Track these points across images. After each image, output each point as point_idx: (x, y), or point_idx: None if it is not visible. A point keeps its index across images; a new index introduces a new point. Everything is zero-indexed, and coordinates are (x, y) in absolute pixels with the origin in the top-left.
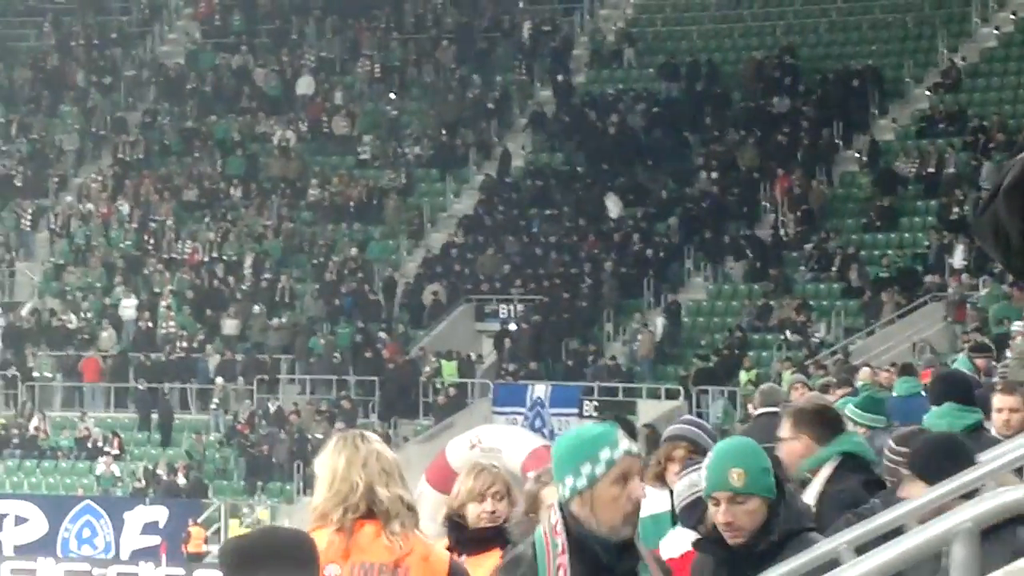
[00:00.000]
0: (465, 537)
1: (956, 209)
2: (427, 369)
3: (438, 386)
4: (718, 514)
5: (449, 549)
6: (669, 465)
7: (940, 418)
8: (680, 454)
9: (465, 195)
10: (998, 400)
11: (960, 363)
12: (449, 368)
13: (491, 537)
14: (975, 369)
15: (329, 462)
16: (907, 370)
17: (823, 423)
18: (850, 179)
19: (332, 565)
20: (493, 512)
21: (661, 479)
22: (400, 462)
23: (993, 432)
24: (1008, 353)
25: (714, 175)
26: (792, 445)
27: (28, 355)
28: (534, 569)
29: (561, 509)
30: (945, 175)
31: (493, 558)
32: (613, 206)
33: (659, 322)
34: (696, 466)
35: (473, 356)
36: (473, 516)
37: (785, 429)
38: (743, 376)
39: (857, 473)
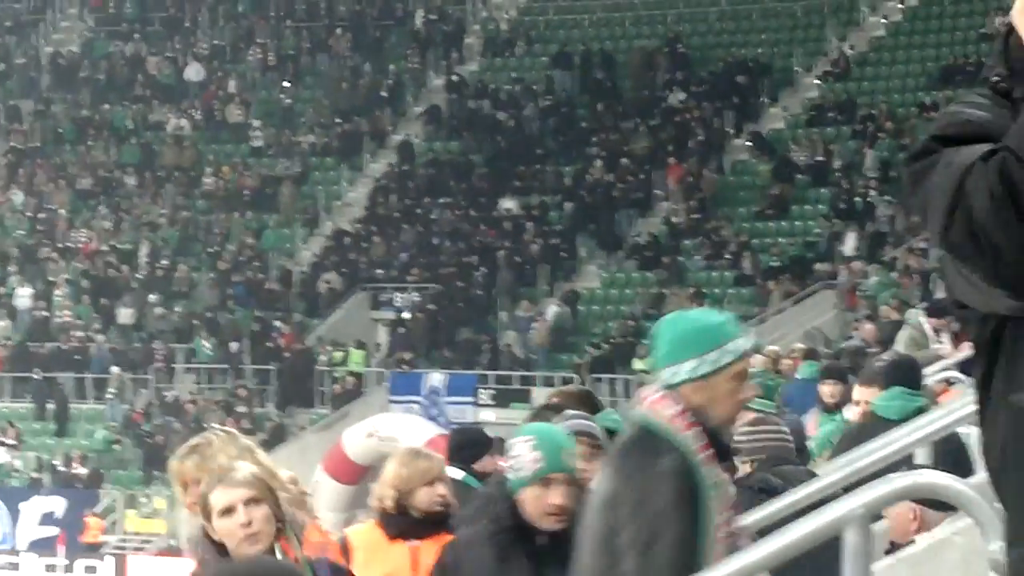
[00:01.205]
0: (415, 522)
1: (846, 198)
2: (323, 358)
3: (336, 375)
4: (550, 496)
5: (396, 536)
6: None
7: (890, 400)
8: (581, 450)
9: (360, 184)
10: (857, 392)
11: (913, 322)
12: (356, 356)
13: (442, 520)
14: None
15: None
16: (811, 355)
17: (584, 404)
18: (741, 167)
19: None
20: (443, 496)
21: None
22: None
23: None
24: (896, 342)
25: (607, 164)
26: None
27: None
28: (683, 455)
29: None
30: (835, 164)
31: (443, 541)
32: (508, 203)
33: (552, 310)
34: None
35: (372, 344)
36: (425, 501)
37: None
38: (637, 364)
39: None
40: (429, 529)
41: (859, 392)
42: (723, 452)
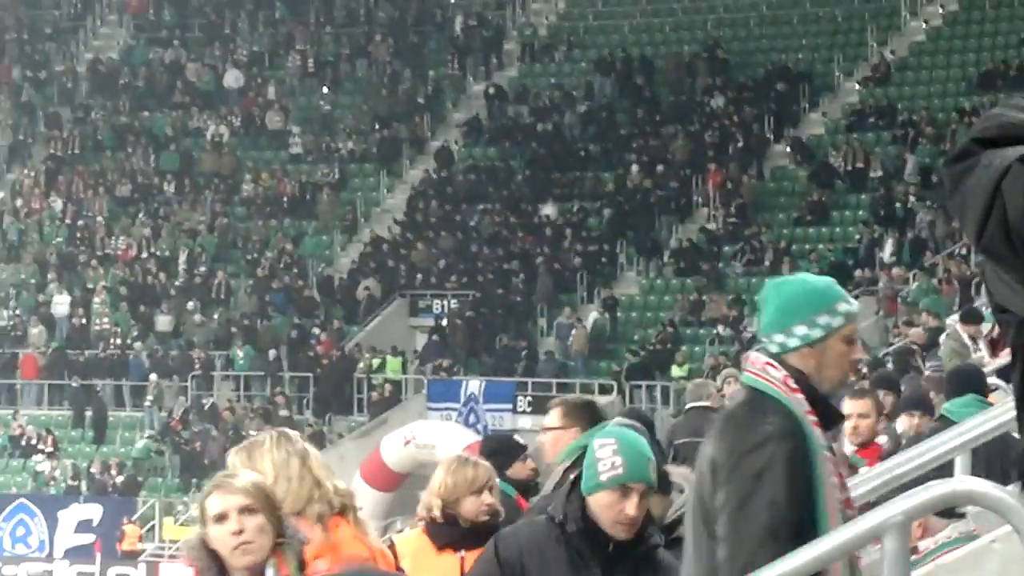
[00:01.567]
0: (463, 531)
1: (886, 203)
2: (361, 364)
3: (374, 382)
4: (628, 507)
5: (445, 545)
6: None
7: (965, 407)
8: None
9: (398, 190)
10: (847, 405)
11: (951, 332)
12: (393, 364)
13: (490, 530)
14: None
15: (277, 460)
16: None
17: (590, 416)
18: (781, 173)
19: (319, 561)
20: (491, 505)
21: None
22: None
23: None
24: (940, 352)
25: (646, 170)
26: (560, 434)
27: None
28: (790, 418)
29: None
30: (875, 169)
31: None
32: (547, 209)
33: (592, 317)
34: None
35: (410, 351)
36: (472, 510)
37: (555, 419)
38: (675, 371)
39: None
40: (477, 539)
41: (849, 406)
42: (832, 418)
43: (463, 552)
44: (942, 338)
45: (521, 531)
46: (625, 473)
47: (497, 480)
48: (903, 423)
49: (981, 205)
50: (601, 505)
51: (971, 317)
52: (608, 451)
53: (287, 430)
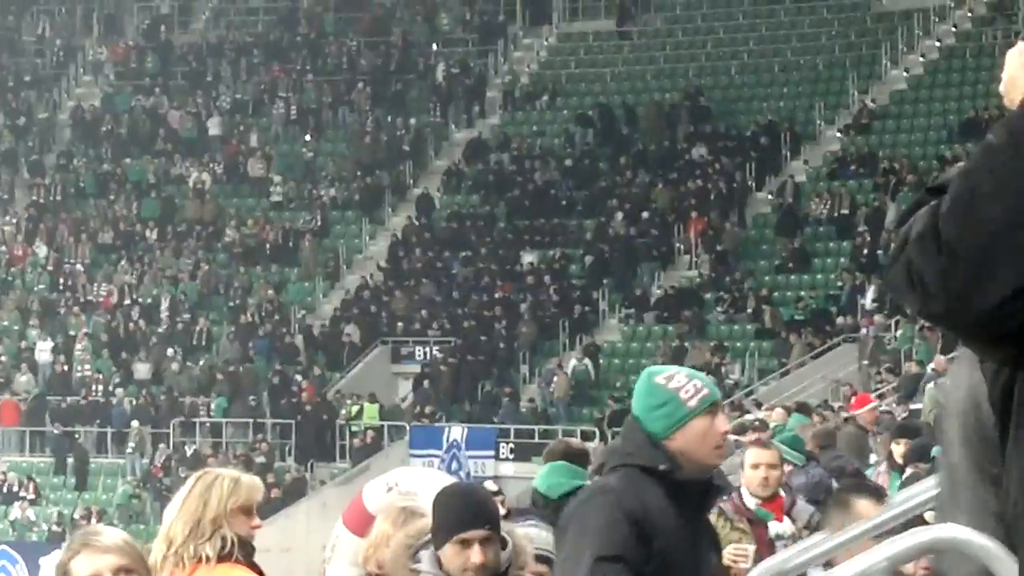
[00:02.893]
0: None
1: (868, 250)
2: (343, 412)
3: (355, 429)
4: (720, 425)
5: None
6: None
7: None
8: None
9: (380, 237)
10: (754, 455)
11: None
12: (371, 411)
13: None
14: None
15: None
16: (801, 408)
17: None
18: (763, 221)
19: None
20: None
21: None
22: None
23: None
24: (924, 399)
25: (628, 218)
26: None
27: None
28: None
29: None
30: (856, 216)
31: None
32: (529, 257)
33: (572, 364)
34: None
35: (395, 400)
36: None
37: None
38: None
39: None
40: None
41: (756, 456)
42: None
43: None
44: (929, 387)
45: (625, 487)
46: (711, 392)
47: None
48: (896, 452)
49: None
50: (694, 435)
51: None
52: (681, 379)
53: (214, 469)
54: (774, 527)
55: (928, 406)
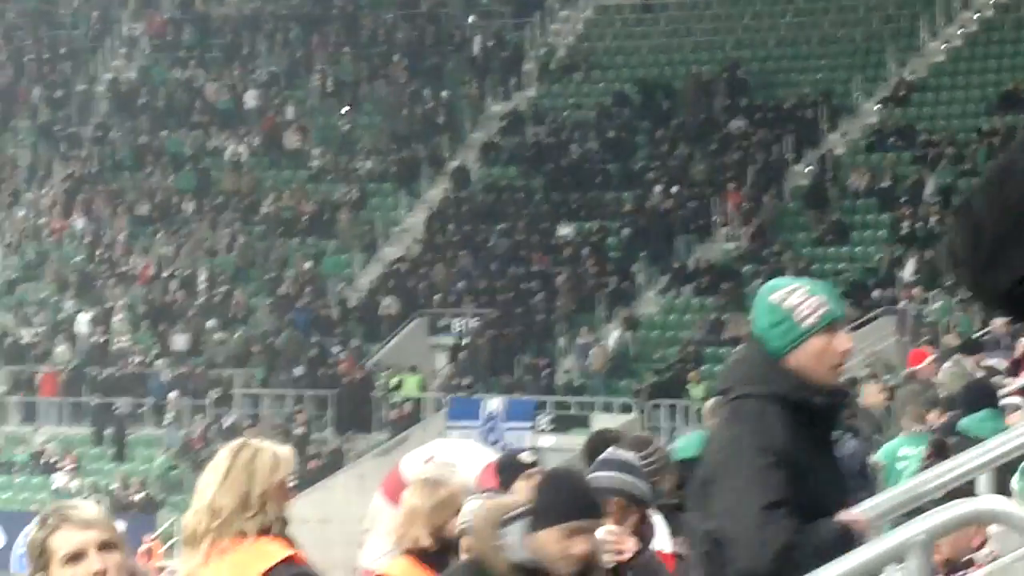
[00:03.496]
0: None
1: (906, 223)
2: (379, 384)
3: (393, 401)
4: (841, 342)
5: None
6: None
7: (983, 422)
8: (612, 509)
9: (417, 210)
10: None
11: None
12: (411, 382)
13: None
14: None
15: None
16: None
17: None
18: (801, 193)
19: None
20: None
21: None
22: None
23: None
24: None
25: (666, 189)
26: None
27: None
28: None
29: None
30: (895, 189)
31: None
32: (565, 229)
33: (612, 336)
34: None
35: (429, 370)
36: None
37: None
38: (693, 390)
39: None
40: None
41: None
42: None
43: None
44: (946, 365)
45: (762, 427)
46: (831, 308)
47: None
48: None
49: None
50: (811, 354)
51: (973, 348)
52: (799, 295)
53: (250, 441)
54: None
55: (950, 381)
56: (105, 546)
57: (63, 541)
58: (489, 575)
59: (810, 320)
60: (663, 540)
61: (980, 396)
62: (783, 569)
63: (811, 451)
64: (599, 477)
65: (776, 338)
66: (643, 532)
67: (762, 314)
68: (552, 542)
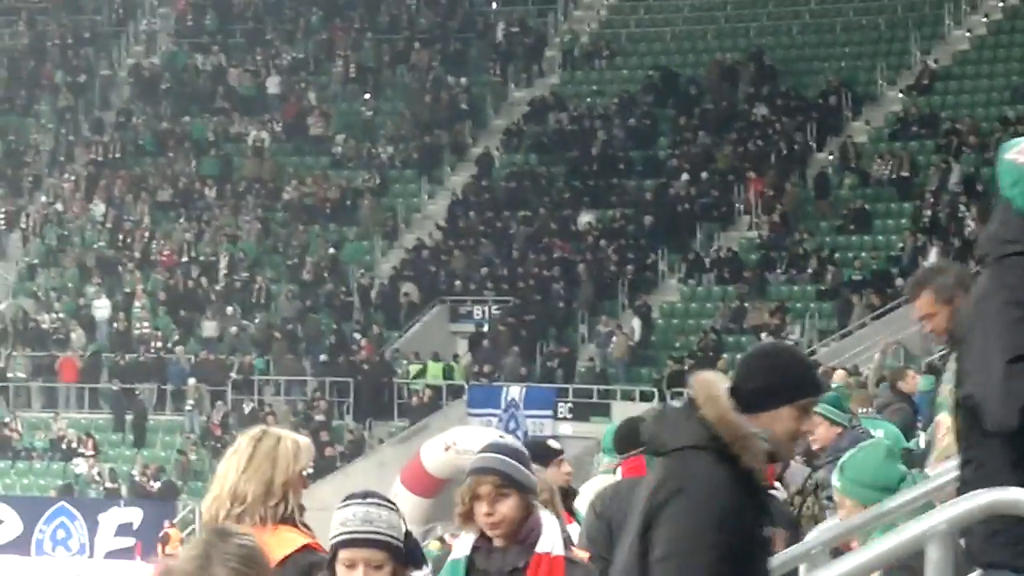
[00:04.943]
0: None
1: (929, 211)
2: (400, 371)
3: (414, 388)
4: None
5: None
6: (475, 504)
7: None
8: (486, 490)
9: (439, 196)
10: None
11: None
12: (433, 369)
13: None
14: None
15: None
16: (930, 369)
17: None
18: (823, 181)
19: None
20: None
21: (469, 518)
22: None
23: None
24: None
25: (688, 177)
26: None
27: (2, 355)
28: None
29: None
30: (918, 177)
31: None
32: (587, 217)
33: (635, 324)
34: None
35: (450, 357)
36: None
37: None
38: None
39: None
40: None
41: None
42: None
43: None
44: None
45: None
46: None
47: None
48: None
49: None
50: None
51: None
52: None
53: (270, 429)
54: None
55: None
56: None
57: None
58: (741, 458)
59: None
60: (553, 542)
61: None
62: None
63: None
64: (480, 456)
65: (1020, 196)
66: (530, 526)
67: (1004, 176)
68: (789, 419)
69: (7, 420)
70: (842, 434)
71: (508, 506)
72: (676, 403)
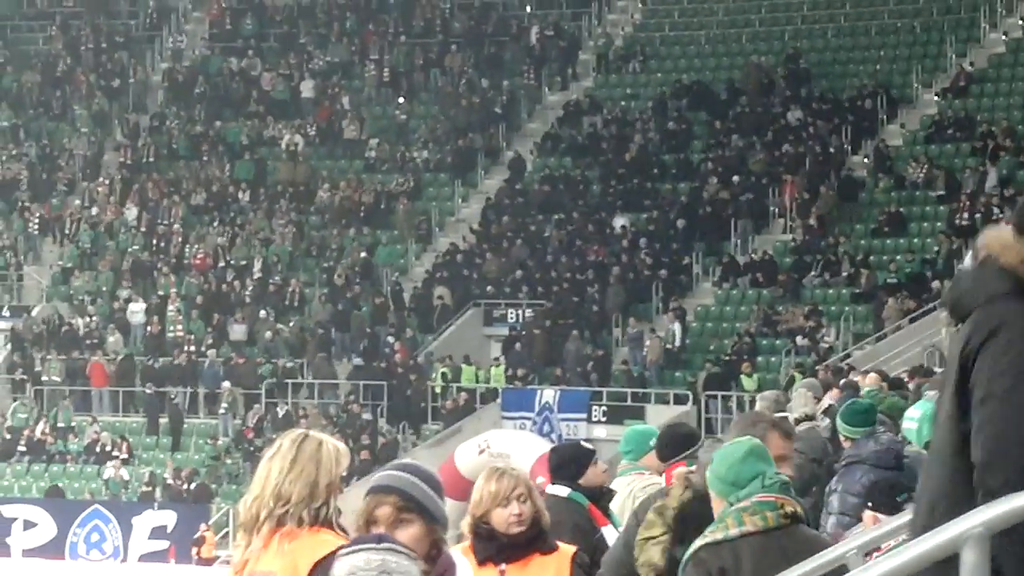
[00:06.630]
0: (502, 545)
1: (965, 214)
2: (434, 375)
3: (447, 391)
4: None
5: (484, 560)
6: (371, 527)
7: None
8: (385, 512)
9: (473, 200)
10: None
11: None
12: (467, 373)
13: (529, 541)
14: None
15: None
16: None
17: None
18: (858, 184)
19: None
20: (520, 515)
21: None
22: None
23: None
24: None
25: (722, 181)
26: None
27: (36, 359)
28: None
29: None
30: (953, 180)
31: (537, 564)
32: (621, 220)
33: (668, 327)
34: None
35: (484, 361)
36: (500, 522)
37: None
38: (745, 382)
39: None
40: (516, 552)
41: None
42: None
43: (503, 565)
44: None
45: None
46: None
47: (530, 489)
48: None
49: None
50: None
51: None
52: None
53: (311, 432)
54: None
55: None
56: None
57: None
58: None
59: None
60: None
61: None
62: None
63: None
64: (381, 474)
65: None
66: (438, 569)
67: None
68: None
69: (41, 423)
70: (855, 444)
71: (409, 535)
72: (966, 264)
